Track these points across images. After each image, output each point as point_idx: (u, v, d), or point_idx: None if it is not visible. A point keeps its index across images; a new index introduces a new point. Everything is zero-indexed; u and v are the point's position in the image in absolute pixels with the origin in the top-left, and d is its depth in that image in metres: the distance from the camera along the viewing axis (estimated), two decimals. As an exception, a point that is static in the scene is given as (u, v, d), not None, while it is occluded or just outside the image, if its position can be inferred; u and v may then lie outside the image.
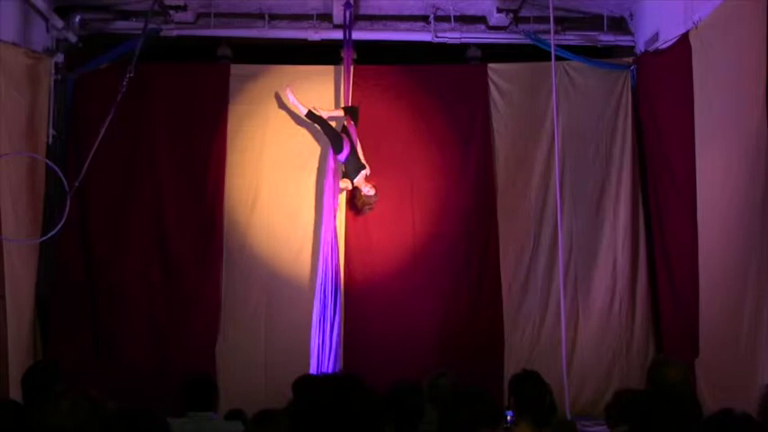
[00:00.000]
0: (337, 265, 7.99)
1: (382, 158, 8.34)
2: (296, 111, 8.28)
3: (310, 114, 8.14)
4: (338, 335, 7.88)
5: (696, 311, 7.01)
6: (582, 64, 8.56)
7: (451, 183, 8.55)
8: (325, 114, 8.20)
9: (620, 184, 8.45)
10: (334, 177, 8.16)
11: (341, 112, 8.25)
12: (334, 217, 8.09)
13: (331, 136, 8.11)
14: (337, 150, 8.05)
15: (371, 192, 8.13)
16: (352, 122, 8.15)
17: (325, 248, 7.98)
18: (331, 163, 8.19)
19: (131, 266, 8.18)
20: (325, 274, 7.90)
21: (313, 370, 7.62)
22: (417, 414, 3.59)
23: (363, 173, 8.09)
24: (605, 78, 8.62)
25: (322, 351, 7.76)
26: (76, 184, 7.08)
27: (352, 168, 8.07)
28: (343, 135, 8.08)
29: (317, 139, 8.47)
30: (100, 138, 6.97)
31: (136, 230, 8.24)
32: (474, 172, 8.53)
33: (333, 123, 8.25)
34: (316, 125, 8.23)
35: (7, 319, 7.01)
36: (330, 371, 7.56)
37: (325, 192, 8.18)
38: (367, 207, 8.21)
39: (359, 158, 8.11)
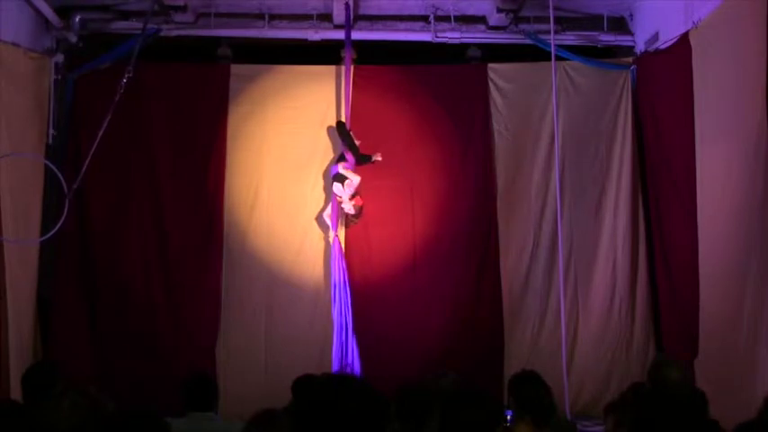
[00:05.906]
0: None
1: (382, 158, 8.34)
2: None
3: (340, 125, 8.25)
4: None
5: (696, 311, 7.01)
6: (582, 64, 8.56)
7: (452, 183, 8.55)
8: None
9: (620, 183, 8.44)
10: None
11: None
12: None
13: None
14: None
15: (352, 211, 8.10)
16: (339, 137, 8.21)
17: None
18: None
19: (131, 266, 8.19)
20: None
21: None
22: (426, 415, 3.58)
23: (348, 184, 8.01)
24: (605, 78, 8.62)
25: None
26: (75, 186, 7.06)
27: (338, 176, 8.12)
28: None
29: (317, 140, 8.51)
30: (98, 138, 6.96)
31: (136, 230, 8.25)
32: (474, 172, 8.53)
33: None
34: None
35: (7, 319, 7.02)
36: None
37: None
38: (351, 220, 8.25)
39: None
